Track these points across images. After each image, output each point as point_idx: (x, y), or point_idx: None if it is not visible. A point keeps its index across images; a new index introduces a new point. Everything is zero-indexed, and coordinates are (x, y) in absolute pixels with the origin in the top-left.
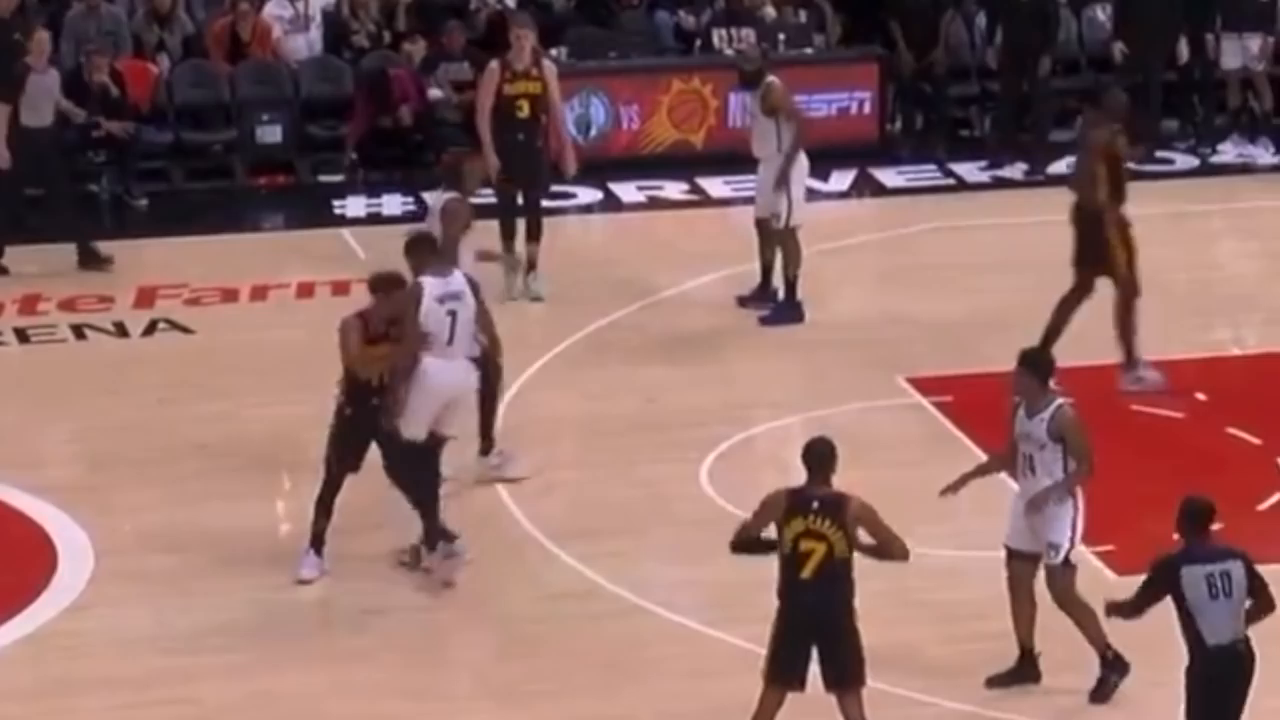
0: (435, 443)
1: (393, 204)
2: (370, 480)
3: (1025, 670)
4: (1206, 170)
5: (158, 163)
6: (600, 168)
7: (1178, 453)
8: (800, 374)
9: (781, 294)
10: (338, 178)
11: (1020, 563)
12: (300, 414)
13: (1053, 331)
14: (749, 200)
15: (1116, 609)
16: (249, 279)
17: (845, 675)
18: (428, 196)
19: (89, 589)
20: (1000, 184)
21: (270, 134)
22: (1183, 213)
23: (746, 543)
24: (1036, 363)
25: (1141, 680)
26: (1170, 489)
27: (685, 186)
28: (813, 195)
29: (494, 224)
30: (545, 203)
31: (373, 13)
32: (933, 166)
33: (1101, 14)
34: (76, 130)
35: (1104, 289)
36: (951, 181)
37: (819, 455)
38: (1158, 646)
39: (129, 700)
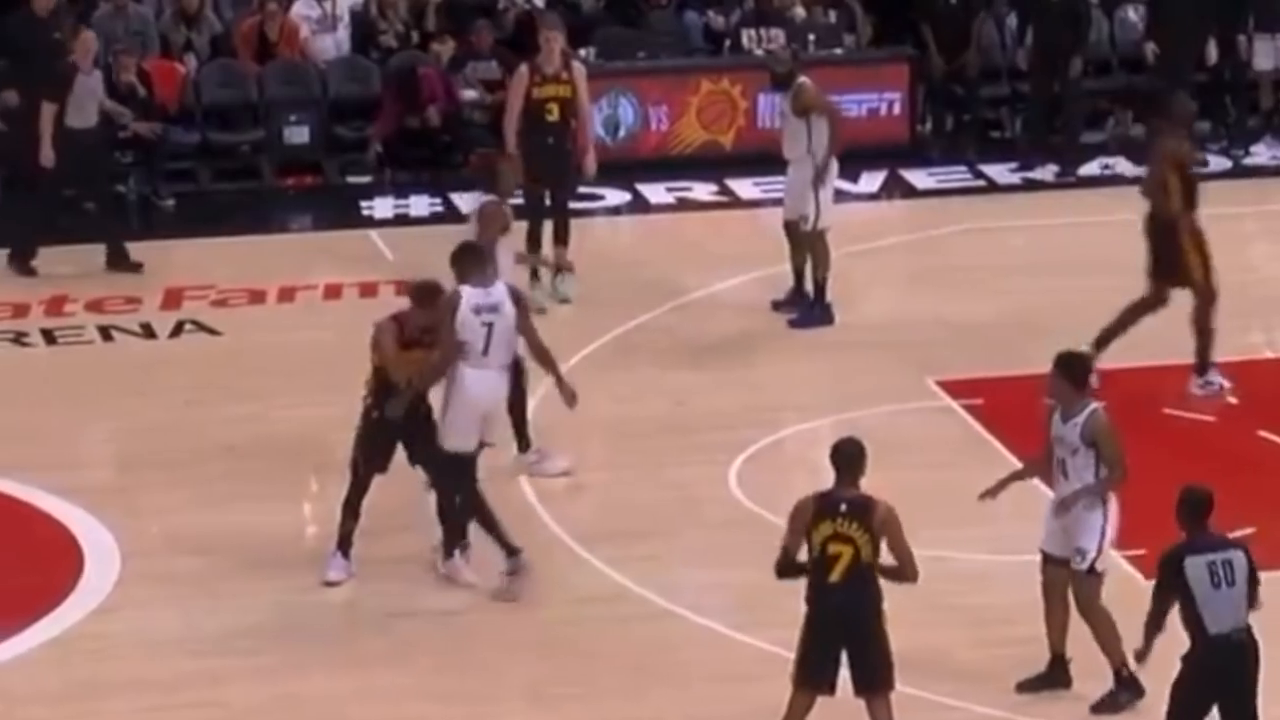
0: (474, 450)
1: (420, 205)
2: (397, 483)
3: (1056, 675)
4: (1239, 172)
5: (185, 163)
6: (629, 169)
7: (1210, 456)
8: (829, 376)
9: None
10: (365, 179)
11: (1054, 568)
12: (328, 416)
13: (1112, 332)
14: (778, 202)
15: (1143, 655)
16: (276, 280)
17: (874, 679)
18: (461, 201)
19: (116, 591)
20: (1031, 185)
21: (298, 134)
22: (1215, 215)
23: (788, 567)
24: (1071, 366)
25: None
26: None
27: (714, 188)
28: (843, 196)
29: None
30: (572, 204)
31: (401, 12)
32: (963, 168)
33: (1133, 14)
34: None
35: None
36: (982, 183)
37: (848, 456)
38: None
39: (156, 703)
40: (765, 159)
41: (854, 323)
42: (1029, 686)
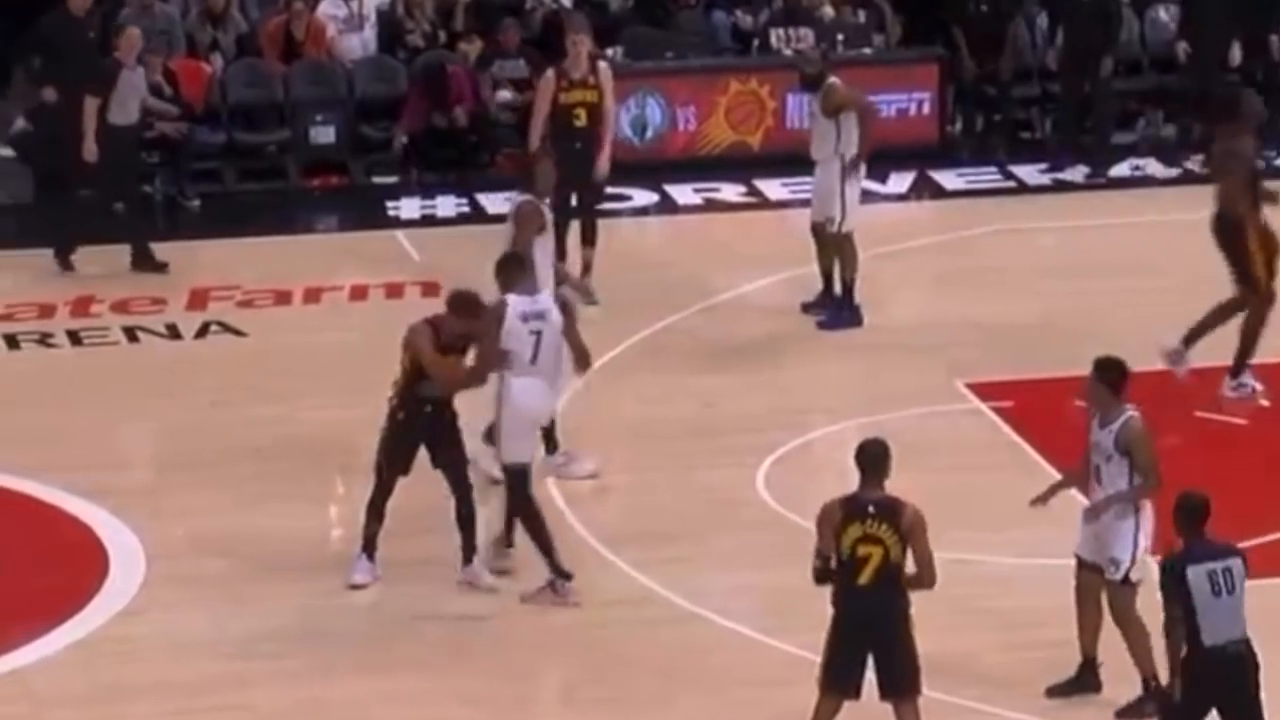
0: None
1: (447, 206)
2: (422, 485)
3: (1086, 679)
4: (1272, 173)
5: (211, 163)
6: (656, 169)
7: (1242, 460)
8: (858, 378)
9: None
10: (392, 179)
11: (1088, 573)
12: (354, 417)
13: (1201, 330)
14: (806, 202)
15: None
16: (302, 281)
17: (901, 683)
18: (506, 201)
19: (141, 593)
20: (1061, 186)
21: (324, 134)
22: None
23: (827, 573)
24: (1108, 371)
25: None
26: (1233, 497)
27: (742, 188)
28: (871, 197)
29: None
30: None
31: (428, 12)
32: (993, 168)
33: (1165, 14)
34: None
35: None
36: (1012, 184)
37: (873, 457)
38: None
39: (181, 706)
40: (794, 160)
41: (883, 324)
42: (1059, 691)
